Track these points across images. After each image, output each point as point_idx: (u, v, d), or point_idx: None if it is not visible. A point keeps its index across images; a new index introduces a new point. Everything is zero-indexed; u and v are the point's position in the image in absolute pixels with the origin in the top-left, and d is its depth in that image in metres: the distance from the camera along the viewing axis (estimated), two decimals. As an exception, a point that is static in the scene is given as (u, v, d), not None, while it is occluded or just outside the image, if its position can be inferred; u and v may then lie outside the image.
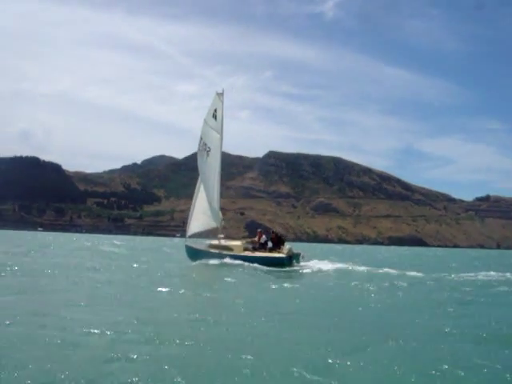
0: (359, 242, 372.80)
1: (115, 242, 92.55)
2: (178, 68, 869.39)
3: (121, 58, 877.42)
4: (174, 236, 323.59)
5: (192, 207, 42.18)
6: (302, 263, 35.94)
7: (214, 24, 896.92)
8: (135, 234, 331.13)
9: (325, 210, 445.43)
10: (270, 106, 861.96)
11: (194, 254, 38.97)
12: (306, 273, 31.85)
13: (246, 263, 33.99)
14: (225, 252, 36.93)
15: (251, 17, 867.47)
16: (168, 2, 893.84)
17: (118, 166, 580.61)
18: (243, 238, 45.36)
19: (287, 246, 36.10)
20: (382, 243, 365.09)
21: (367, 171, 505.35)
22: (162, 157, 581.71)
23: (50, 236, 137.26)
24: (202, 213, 40.63)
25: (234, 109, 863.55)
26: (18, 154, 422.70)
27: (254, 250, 37.10)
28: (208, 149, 40.01)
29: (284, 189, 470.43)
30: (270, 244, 36.98)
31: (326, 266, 34.41)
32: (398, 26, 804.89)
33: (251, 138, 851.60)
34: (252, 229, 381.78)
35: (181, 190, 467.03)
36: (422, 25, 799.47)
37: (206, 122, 40.33)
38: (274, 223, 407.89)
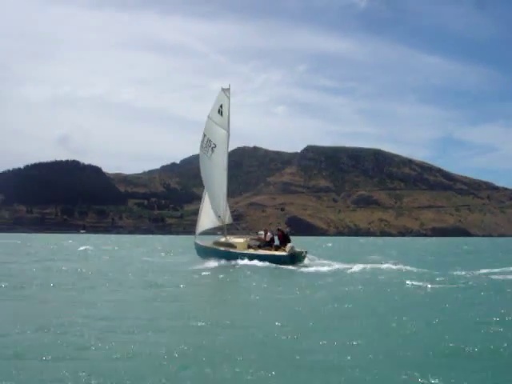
0: (402, 234, 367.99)
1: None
2: (212, 66, 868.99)
3: (156, 58, 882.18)
4: (216, 234, 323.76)
5: (201, 205, 42.53)
6: (306, 262, 34.69)
7: (247, 20, 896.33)
8: (177, 233, 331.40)
9: (366, 202, 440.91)
10: (307, 100, 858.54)
11: (201, 251, 39.71)
12: (302, 273, 29.91)
13: (246, 261, 33.84)
14: (229, 249, 36.59)
15: (284, 11, 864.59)
16: (200, 0, 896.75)
17: (157, 166, 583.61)
18: (249, 235, 42.50)
19: (289, 244, 34.75)
20: (425, 234, 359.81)
21: (408, 162, 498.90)
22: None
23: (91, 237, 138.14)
24: (210, 210, 40.56)
25: (269, 104, 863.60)
26: (59, 159, 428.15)
27: (259, 247, 36.47)
28: (213, 145, 39.17)
29: (324, 183, 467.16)
30: (276, 241, 36.33)
31: (325, 267, 31.83)
32: (434, 13, 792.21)
33: (288, 133, 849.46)
34: (293, 224, 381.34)
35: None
36: (458, 10, 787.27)
37: (210, 118, 39.47)
38: (315, 218, 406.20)
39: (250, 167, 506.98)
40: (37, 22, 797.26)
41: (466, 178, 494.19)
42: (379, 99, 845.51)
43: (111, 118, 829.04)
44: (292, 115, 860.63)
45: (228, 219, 40.84)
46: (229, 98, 39.47)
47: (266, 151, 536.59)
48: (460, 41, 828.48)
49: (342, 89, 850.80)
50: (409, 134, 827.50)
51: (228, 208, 40.97)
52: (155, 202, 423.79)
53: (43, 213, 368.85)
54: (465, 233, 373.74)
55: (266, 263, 32.74)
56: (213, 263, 34.37)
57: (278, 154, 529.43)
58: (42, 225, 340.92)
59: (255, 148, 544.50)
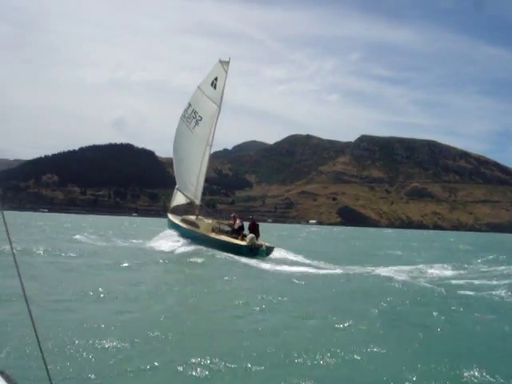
0: (455, 228, 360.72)
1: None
2: (268, 53, 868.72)
3: (211, 44, 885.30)
4: (265, 221, 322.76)
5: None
6: (271, 256, 30.92)
7: (305, 7, 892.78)
8: (227, 218, 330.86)
9: (419, 194, 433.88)
10: (361, 88, 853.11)
11: (170, 225, 38.51)
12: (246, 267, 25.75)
13: (204, 245, 31.83)
14: (191, 228, 34.87)
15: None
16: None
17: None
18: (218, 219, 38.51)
19: (250, 235, 31.76)
20: (479, 230, 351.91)
21: (464, 155, 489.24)
22: (253, 142, 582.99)
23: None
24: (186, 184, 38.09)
25: (322, 92, 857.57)
26: (113, 142, 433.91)
27: (226, 233, 34.18)
28: (199, 118, 36.20)
29: (377, 173, 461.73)
30: (245, 230, 33.88)
31: (286, 266, 26.14)
32: (497, 3, 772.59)
33: (342, 122, 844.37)
34: (345, 214, 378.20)
35: (272, 176, 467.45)
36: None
37: (200, 88, 36.48)
38: (367, 208, 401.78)
39: (303, 155, 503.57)
40: (95, 6, 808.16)
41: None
42: (436, 90, 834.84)
43: (165, 103, 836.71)
44: (346, 104, 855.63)
45: (198, 200, 37.94)
46: (226, 72, 36.38)
47: (319, 140, 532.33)
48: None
49: (398, 78, 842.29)
50: (466, 126, 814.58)
51: (201, 188, 38.13)
52: (207, 188, 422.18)
53: (96, 195, 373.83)
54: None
55: (223, 251, 29.99)
56: (169, 243, 33.66)
57: (331, 142, 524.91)
58: (95, 206, 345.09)
59: (308, 136, 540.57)
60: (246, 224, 34.78)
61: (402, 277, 22.09)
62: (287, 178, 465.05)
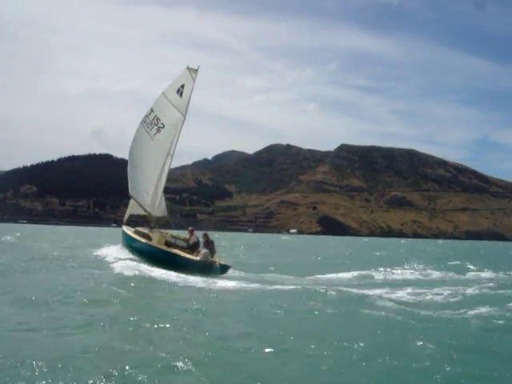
0: (435, 236, 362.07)
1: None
2: (247, 63, 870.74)
3: (191, 55, 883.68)
4: (246, 231, 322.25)
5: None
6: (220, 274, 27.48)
7: (284, 18, 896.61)
8: (207, 229, 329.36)
9: (399, 203, 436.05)
10: (340, 98, 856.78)
11: (123, 237, 34.86)
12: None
13: (151, 260, 28.22)
14: (142, 240, 31.18)
15: (321, 10, 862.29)
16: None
17: (189, 162, 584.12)
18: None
19: (204, 250, 28.61)
20: (459, 237, 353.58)
21: (442, 163, 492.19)
22: (233, 152, 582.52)
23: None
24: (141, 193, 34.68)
25: (301, 102, 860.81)
26: (92, 152, 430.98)
27: (182, 249, 30.30)
28: (161, 125, 33.68)
29: (357, 182, 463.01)
30: (201, 246, 30.19)
31: (231, 283, 23.05)
32: (472, 14, 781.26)
33: (321, 132, 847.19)
34: (325, 223, 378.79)
35: (252, 185, 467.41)
36: (497, 11, 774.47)
37: (164, 95, 33.82)
38: (347, 217, 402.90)
39: (283, 165, 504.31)
40: (75, 16, 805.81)
41: (501, 181, 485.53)
42: (416, 99, 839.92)
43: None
44: (325, 113, 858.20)
45: (160, 211, 34.69)
46: (194, 81, 33.97)
47: (299, 149, 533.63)
48: (499, 42, 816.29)
49: (377, 88, 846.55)
50: (444, 135, 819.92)
51: (163, 199, 35.13)
52: (187, 198, 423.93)
53: (75, 205, 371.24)
54: (500, 237, 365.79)
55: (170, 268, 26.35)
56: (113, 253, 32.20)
57: (311, 152, 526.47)
58: (74, 217, 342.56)
59: (288, 146, 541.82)
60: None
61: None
62: (267, 188, 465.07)
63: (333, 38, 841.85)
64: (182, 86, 33.80)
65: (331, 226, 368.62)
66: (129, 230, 33.90)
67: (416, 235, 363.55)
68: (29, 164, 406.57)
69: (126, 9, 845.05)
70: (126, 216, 36.53)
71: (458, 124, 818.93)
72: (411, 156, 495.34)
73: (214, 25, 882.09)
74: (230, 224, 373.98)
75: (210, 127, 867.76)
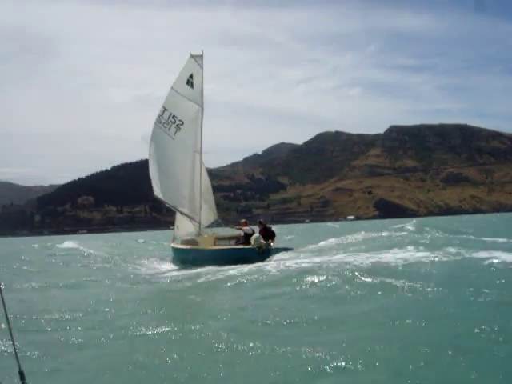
0: (496, 210, 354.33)
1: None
2: (287, 54, 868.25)
3: (233, 52, 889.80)
4: (302, 222, 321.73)
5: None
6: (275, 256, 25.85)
7: (322, 6, 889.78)
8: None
9: (455, 180, 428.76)
10: (384, 80, 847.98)
11: (173, 253, 32.29)
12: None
13: (204, 263, 25.65)
14: (190, 247, 29.55)
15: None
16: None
17: (239, 158, 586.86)
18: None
19: (255, 235, 27.31)
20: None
21: (496, 135, 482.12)
22: (282, 144, 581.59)
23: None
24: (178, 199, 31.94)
25: (344, 88, 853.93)
26: (144, 158, 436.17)
27: (236, 244, 28.93)
28: (179, 122, 30.98)
29: (410, 163, 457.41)
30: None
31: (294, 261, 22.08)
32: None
33: (368, 115, 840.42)
34: (382, 207, 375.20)
35: (305, 176, 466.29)
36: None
37: (174, 90, 31.04)
38: (404, 199, 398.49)
39: (333, 152, 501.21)
40: (116, 26, 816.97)
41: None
42: (462, 73, 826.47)
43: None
44: (370, 97, 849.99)
45: (212, 216, 32.24)
46: (201, 67, 31.30)
47: (349, 135, 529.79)
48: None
49: (421, 66, 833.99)
50: (495, 106, 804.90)
51: (211, 202, 32.67)
52: (241, 194, 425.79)
53: (133, 212, 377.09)
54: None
55: (227, 262, 24.63)
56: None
57: (361, 136, 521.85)
58: (133, 223, 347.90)
59: (337, 133, 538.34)
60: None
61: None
62: (320, 177, 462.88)
63: (370, 21, 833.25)
64: (191, 76, 31.28)
65: (388, 209, 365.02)
66: (175, 244, 32.18)
67: (476, 211, 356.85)
68: (83, 175, 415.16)
69: (165, 13, 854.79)
70: (177, 236, 33.55)
71: (508, 94, 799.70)
72: (463, 131, 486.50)
73: (252, 20, 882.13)
74: (286, 216, 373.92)
75: (257, 122, 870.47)
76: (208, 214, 32.11)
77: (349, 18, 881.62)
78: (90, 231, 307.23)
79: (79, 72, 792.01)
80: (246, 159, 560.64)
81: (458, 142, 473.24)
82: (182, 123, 30.89)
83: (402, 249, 21.86)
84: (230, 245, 29.22)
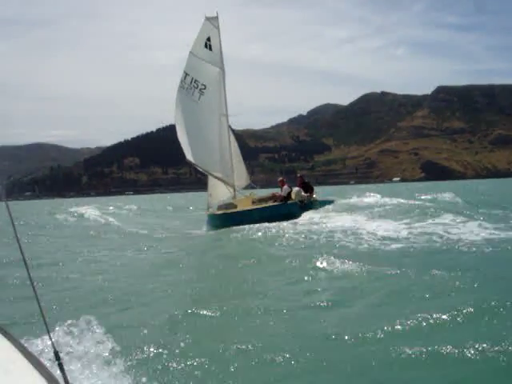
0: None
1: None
2: (331, 14, 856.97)
3: (280, 11, 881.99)
4: (347, 183, 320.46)
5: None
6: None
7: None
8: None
9: (504, 142, 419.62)
10: (430, 39, 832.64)
11: (209, 222, 30.09)
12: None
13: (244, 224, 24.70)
14: (225, 211, 28.43)
15: None
16: None
17: (284, 119, 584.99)
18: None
19: (295, 189, 26.83)
20: None
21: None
22: (327, 105, 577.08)
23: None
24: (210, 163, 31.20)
25: (389, 47, 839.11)
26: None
27: (274, 202, 27.65)
28: (202, 86, 30.46)
29: (458, 124, 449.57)
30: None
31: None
32: None
33: (415, 76, 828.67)
34: (428, 169, 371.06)
35: (350, 137, 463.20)
36: None
37: (193, 54, 30.37)
38: (451, 161, 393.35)
39: (379, 113, 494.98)
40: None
41: None
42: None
43: (237, 75, 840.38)
44: (416, 56, 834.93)
45: (243, 180, 31.66)
46: (218, 29, 30.90)
47: (395, 95, 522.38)
48: None
49: (469, 25, 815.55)
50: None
51: (242, 165, 31.93)
52: (286, 155, 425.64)
53: (178, 173, 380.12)
54: None
55: (269, 219, 24.18)
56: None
57: (407, 97, 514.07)
58: (178, 184, 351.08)
59: (383, 93, 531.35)
60: None
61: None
62: (366, 138, 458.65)
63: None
64: (209, 39, 30.84)
65: (435, 172, 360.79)
66: (212, 211, 30.55)
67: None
68: (129, 137, 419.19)
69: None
70: (209, 205, 32.14)
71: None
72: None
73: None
74: (331, 177, 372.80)
75: (301, 82, 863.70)
76: (240, 177, 31.70)
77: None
78: (137, 192, 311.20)
79: (124, 34, 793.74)
80: (291, 120, 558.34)
81: (507, 102, 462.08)
82: (205, 87, 30.47)
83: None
84: (260, 202, 28.46)
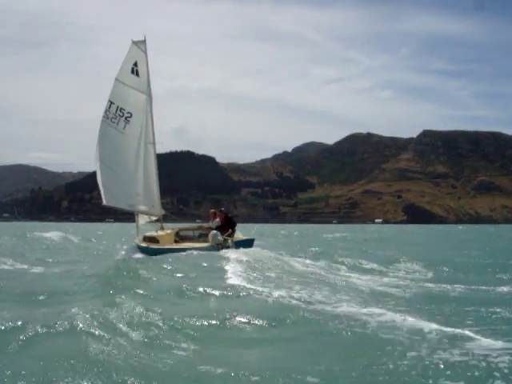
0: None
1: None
2: (320, 53, 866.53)
3: (270, 48, 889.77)
4: (330, 222, 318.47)
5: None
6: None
7: (361, 7, 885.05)
8: (290, 222, 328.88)
9: (487, 188, 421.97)
10: (418, 83, 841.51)
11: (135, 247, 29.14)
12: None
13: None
14: (151, 246, 26.79)
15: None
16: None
17: (268, 155, 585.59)
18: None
19: (213, 232, 25.14)
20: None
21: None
22: (312, 143, 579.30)
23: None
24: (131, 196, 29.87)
25: (375, 89, 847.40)
26: (174, 150, 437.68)
27: (199, 238, 27.12)
28: (128, 114, 28.62)
29: (442, 168, 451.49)
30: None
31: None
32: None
33: (401, 118, 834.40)
34: (411, 212, 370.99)
35: (334, 176, 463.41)
36: None
37: (119, 80, 28.52)
38: (433, 205, 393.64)
39: (364, 154, 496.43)
40: (150, 18, 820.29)
41: None
42: (499, 81, 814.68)
43: (225, 109, 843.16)
44: (402, 99, 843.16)
45: (158, 210, 30.29)
46: (145, 53, 29.08)
47: (380, 137, 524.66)
48: None
49: (457, 71, 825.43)
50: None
51: (156, 195, 30.73)
52: (269, 191, 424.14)
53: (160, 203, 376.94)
54: None
55: None
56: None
57: (393, 139, 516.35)
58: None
59: (369, 134, 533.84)
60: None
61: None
62: (350, 178, 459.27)
63: (406, 23, 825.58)
64: (135, 64, 28.94)
65: (417, 215, 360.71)
66: (137, 241, 29.31)
67: (507, 221, 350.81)
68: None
69: (201, 7, 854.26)
70: (137, 234, 30.89)
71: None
72: (497, 139, 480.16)
73: (290, 17, 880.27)
74: (314, 216, 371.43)
75: (287, 119, 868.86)
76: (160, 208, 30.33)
77: (385, 19, 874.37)
78: (117, 220, 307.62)
79: (111, 61, 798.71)
80: (275, 156, 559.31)
81: (491, 149, 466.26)
82: (131, 115, 28.60)
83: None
84: (193, 236, 27.58)
